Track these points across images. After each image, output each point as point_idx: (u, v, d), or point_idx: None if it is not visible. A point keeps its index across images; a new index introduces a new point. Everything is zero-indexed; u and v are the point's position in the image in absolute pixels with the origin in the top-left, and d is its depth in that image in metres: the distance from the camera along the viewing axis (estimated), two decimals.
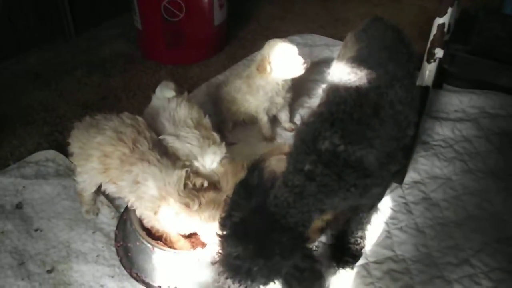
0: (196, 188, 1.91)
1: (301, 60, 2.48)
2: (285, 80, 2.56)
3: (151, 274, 1.94)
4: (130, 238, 2.02)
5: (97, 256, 2.07)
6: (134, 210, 1.97)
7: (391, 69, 1.69)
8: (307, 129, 1.58)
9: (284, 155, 2.00)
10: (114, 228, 2.15)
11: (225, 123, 2.70)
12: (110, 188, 2.01)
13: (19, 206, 2.25)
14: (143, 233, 1.97)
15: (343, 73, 1.73)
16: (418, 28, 3.93)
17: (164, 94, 2.31)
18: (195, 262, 1.91)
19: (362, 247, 2.07)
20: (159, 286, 1.93)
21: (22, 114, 2.92)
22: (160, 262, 1.93)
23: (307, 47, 3.55)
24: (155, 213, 1.86)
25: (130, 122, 2.01)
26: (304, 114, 1.73)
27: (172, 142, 2.12)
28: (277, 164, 1.97)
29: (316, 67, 3.25)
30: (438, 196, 2.35)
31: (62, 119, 2.88)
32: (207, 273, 1.90)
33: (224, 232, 1.52)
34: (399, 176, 2.38)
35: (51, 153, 2.52)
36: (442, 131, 2.74)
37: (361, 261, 2.06)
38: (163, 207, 1.85)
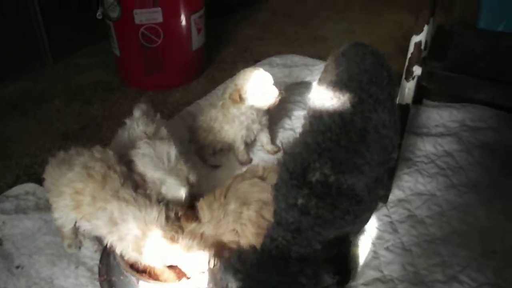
0: (177, 217, 1.91)
1: (275, 91, 2.46)
2: (260, 109, 2.54)
3: None
4: (114, 272, 1.98)
5: None
6: None
7: (373, 93, 1.68)
8: (294, 161, 1.56)
9: (259, 178, 2.01)
10: (98, 262, 2.10)
11: (204, 149, 2.68)
12: (84, 226, 1.97)
13: None
14: (127, 266, 1.93)
15: (325, 98, 1.72)
16: (397, 44, 3.96)
17: (135, 114, 2.34)
18: None
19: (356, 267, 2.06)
20: None
21: (0, 146, 2.88)
22: None
23: (287, 68, 3.56)
24: (140, 252, 1.83)
25: (99, 156, 1.97)
26: (286, 143, 1.70)
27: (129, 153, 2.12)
28: (249, 189, 1.95)
29: (297, 88, 3.27)
30: (423, 213, 2.35)
31: (41, 150, 2.83)
32: None
33: None
34: (383, 196, 2.37)
35: (30, 186, 2.48)
36: (424, 147, 2.74)
37: (350, 284, 2.04)
38: (148, 244, 1.82)
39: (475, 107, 3.01)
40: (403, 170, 2.57)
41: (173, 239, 1.81)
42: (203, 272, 1.85)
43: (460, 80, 2.11)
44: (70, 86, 3.48)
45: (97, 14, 3.17)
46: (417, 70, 2.20)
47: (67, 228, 2.07)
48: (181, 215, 1.90)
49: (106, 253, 2.09)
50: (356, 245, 2.10)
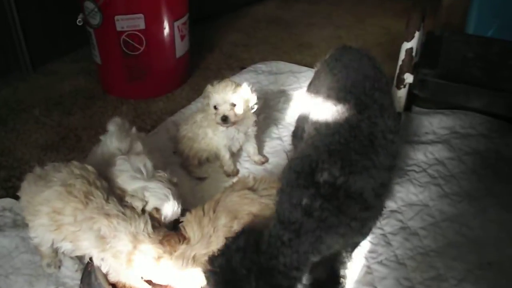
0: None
1: (225, 112, 2.35)
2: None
3: None
4: None
5: None
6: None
7: (378, 98, 1.65)
8: (302, 162, 1.51)
9: (249, 189, 1.92)
10: (78, 282, 2.00)
11: (189, 160, 2.58)
12: (65, 246, 1.86)
13: None
14: (109, 286, 1.83)
15: (327, 105, 1.67)
16: (384, 50, 3.93)
17: (110, 128, 2.25)
18: None
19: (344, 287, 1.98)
20: None
21: None
22: None
23: (272, 75, 3.49)
24: (131, 267, 1.75)
25: (79, 172, 1.88)
26: (291, 154, 1.65)
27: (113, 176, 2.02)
28: (239, 201, 1.86)
29: (283, 95, 3.20)
30: (416, 224, 2.28)
31: (20, 163, 2.72)
32: None
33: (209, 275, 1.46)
34: None
35: (7, 202, 2.37)
36: (415, 155, 2.69)
37: None
38: (139, 256, 1.75)
39: (465, 113, 2.97)
40: (395, 179, 2.51)
41: (162, 244, 1.75)
42: None
43: (453, 88, 2.06)
44: (50, 95, 3.36)
45: (77, 21, 3.07)
46: (408, 78, 2.15)
47: (45, 247, 1.96)
48: (162, 240, 1.80)
49: (87, 273, 1.98)
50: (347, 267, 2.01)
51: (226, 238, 1.57)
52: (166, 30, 3.15)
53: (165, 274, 1.78)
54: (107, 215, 1.77)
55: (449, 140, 2.81)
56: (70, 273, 2.05)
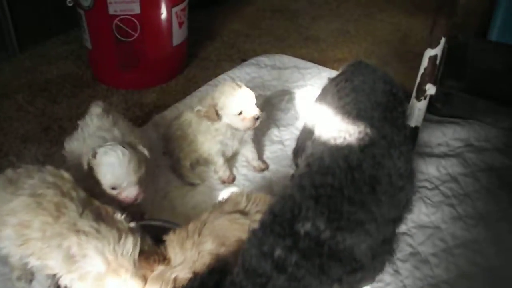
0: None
1: (255, 112, 2.17)
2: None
3: None
4: None
5: None
6: None
7: (387, 133, 1.41)
8: (283, 203, 1.28)
9: (240, 213, 1.71)
10: None
11: (180, 162, 2.36)
12: (33, 263, 1.65)
13: None
14: None
15: (327, 132, 1.43)
16: (393, 48, 3.75)
17: (91, 112, 2.08)
18: None
19: None
20: None
21: None
22: None
23: (276, 70, 3.25)
24: None
25: (52, 180, 1.66)
26: (286, 185, 1.41)
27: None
28: (229, 226, 1.65)
29: (286, 93, 2.98)
30: (427, 249, 2.08)
31: None
32: None
33: None
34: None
35: None
36: (426, 170, 2.47)
37: None
38: (111, 283, 1.52)
39: (480, 125, 2.73)
40: None
41: (145, 278, 1.55)
42: None
43: (481, 105, 1.84)
44: (36, 80, 3.15)
45: (68, 1, 2.84)
46: (430, 89, 1.92)
47: (15, 259, 1.75)
48: (141, 257, 1.59)
49: None
50: None
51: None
52: (163, 16, 2.94)
53: None
54: (78, 232, 1.56)
55: (463, 153, 2.60)
56: None
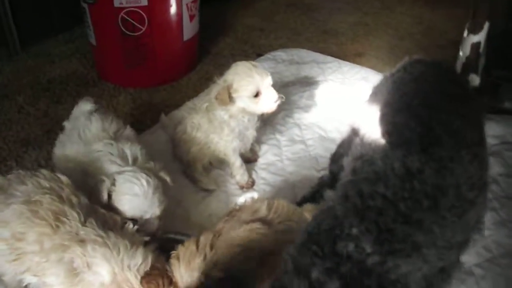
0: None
1: (274, 94, 1.99)
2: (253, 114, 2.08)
3: None
4: None
5: None
6: None
7: (458, 129, 1.17)
8: (321, 217, 1.07)
9: (261, 222, 1.49)
10: None
11: (191, 166, 2.17)
12: (29, 280, 1.48)
13: None
14: None
15: (380, 128, 1.21)
16: (415, 42, 3.63)
17: (82, 108, 1.92)
18: None
19: None
20: None
21: None
22: None
23: (294, 65, 3.06)
24: None
25: (48, 185, 1.49)
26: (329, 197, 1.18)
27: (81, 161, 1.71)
28: (248, 236, 1.44)
29: (307, 89, 2.79)
30: (471, 260, 1.86)
31: None
32: None
33: None
34: None
35: None
36: None
37: None
38: None
39: None
40: None
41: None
42: None
43: None
44: (38, 79, 3.00)
45: None
46: (474, 80, 1.71)
47: (9, 277, 1.56)
48: (142, 277, 1.39)
49: None
50: None
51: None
52: (173, 8, 2.80)
53: None
54: (83, 241, 1.40)
55: (501, 152, 2.39)
56: None
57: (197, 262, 1.37)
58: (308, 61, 3.13)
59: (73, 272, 1.38)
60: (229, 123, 2.06)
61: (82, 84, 2.98)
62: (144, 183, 1.61)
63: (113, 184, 1.62)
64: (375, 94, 1.50)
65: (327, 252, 1.02)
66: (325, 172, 2.11)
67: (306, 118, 2.58)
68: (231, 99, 1.99)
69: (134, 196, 1.61)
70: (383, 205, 1.04)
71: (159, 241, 1.61)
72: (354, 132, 1.53)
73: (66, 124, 1.94)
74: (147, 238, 1.51)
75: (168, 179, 1.74)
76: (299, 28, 3.82)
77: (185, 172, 2.17)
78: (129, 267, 1.38)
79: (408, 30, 3.80)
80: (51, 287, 1.43)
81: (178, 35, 2.91)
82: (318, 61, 3.12)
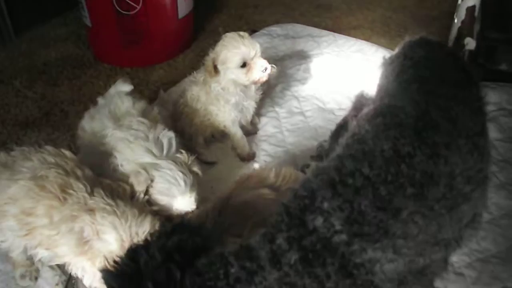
0: None
1: (263, 63, 1.98)
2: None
3: None
4: None
5: None
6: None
7: (457, 116, 1.11)
8: (299, 187, 1.04)
9: (269, 188, 1.50)
10: None
11: (193, 139, 2.19)
12: (41, 254, 1.49)
13: None
14: None
15: (376, 109, 1.18)
16: (409, 14, 3.62)
17: (119, 89, 1.93)
18: None
19: None
20: None
21: None
22: None
23: (289, 39, 3.06)
24: None
25: (53, 160, 1.50)
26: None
27: (111, 134, 1.69)
28: (257, 201, 1.46)
29: (303, 63, 2.79)
30: None
31: None
32: None
33: None
34: None
35: None
36: None
37: None
38: None
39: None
40: None
41: None
42: None
43: None
44: (33, 63, 2.98)
45: None
46: (469, 44, 1.72)
47: (17, 253, 1.58)
48: None
49: (71, 285, 1.63)
50: None
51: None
52: None
53: None
54: (91, 210, 1.41)
55: (498, 118, 2.41)
56: (49, 287, 1.66)
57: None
58: (304, 35, 3.12)
59: (83, 241, 1.40)
60: (223, 95, 2.07)
61: (78, 66, 2.96)
62: (182, 183, 1.61)
63: (151, 179, 1.60)
64: (384, 75, 1.44)
65: (294, 222, 0.99)
66: (323, 140, 2.13)
67: (303, 90, 2.59)
68: (216, 71, 2.01)
69: (172, 197, 1.62)
70: (362, 185, 0.99)
71: None
72: (354, 110, 1.52)
73: (99, 99, 1.94)
74: (156, 208, 1.53)
75: (200, 173, 1.73)
76: (293, 3, 3.79)
77: (187, 145, 2.18)
78: (137, 234, 1.40)
79: (401, 2, 3.77)
80: (62, 257, 1.46)
81: (173, 12, 2.88)
82: (313, 35, 3.11)
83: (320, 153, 1.95)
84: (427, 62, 1.32)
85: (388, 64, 1.41)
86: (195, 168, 1.72)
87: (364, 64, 2.73)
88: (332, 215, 0.97)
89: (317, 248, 0.95)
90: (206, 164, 2.13)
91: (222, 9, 3.69)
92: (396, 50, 1.47)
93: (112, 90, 1.96)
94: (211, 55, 2.03)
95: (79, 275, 1.48)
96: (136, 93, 2.02)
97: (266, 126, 2.34)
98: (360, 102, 1.60)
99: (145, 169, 1.61)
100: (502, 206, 1.97)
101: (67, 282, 1.63)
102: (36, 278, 1.67)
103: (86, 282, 1.48)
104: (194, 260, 0.98)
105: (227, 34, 2.04)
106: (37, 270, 1.68)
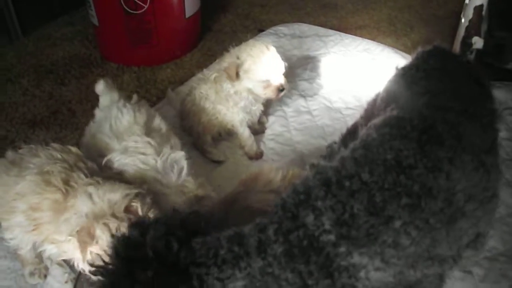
0: None
1: (283, 84, 2.00)
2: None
3: None
4: None
5: None
6: None
7: (466, 132, 1.09)
8: (298, 184, 1.06)
9: (273, 192, 1.50)
10: None
11: (201, 137, 2.18)
12: (49, 250, 1.50)
13: None
14: None
15: (385, 120, 1.18)
16: (415, 13, 3.62)
17: (104, 95, 1.87)
18: None
19: None
20: None
21: None
22: None
23: (296, 38, 3.07)
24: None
25: (60, 156, 1.51)
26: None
27: (118, 159, 1.65)
28: (262, 196, 1.47)
29: (310, 62, 2.79)
30: None
31: (4, 141, 2.35)
32: None
33: None
34: None
35: None
36: None
37: None
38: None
39: None
40: None
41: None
42: None
43: None
44: (41, 62, 2.99)
45: None
46: (477, 43, 1.72)
47: (26, 251, 1.59)
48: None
49: (80, 282, 1.60)
50: None
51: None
52: None
53: None
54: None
55: (504, 117, 2.42)
56: (59, 285, 1.66)
57: None
58: (310, 34, 3.13)
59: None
60: (234, 97, 2.08)
61: (85, 65, 2.97)
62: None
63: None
64: (387, 87, 1.45)
65: (286, 215, 1.01)
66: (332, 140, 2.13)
67: (310, 89, 2.60)
68: (238, 77, 2.00)
69: None
70: (359, 189, 1.00)
71: None
72: (365, 119, 1.50)
73: (97, 111, 1.88)
74: (144, 191, 1.51)
75: (208, 194, 1.71)
76: (299, 2, 3.80)
77: (194, 144, 2.19)
78: (108, 199, 1.39)
79: (407, 2, 3.78)
80: (71, 254, 1.44)
81: (180, 12, 2.89)
82: (319, 35, 3.12)
83: (330, 154, 1.96)
84: (440, 74, 1.31)
85: (401, 75, 1.39)
86: (203, 194, 1.69)
87: (370, 63, 2.74)
88: (324, 214, 0.98)
89: (304, 244, 0.97)
90: (214, 162, 2.15)
91: (229, 8, 3.69)
92: (409, 61, 1.46)
93: (105, 101, 1.88)
94: (235, 58, 2.02)
95: (87, 272, 1.48)
96: (119, 91, 1.95)
97: (274, 125, 2.35)
98: (371, 112, 1.60)
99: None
100: (509, 205, 1.96)
101: (76, 279, 1.64)
102: (45, 276, 1.67)
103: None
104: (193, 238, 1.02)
105: (256, 43, 2.04)
106: (46, 268, 1.68)
